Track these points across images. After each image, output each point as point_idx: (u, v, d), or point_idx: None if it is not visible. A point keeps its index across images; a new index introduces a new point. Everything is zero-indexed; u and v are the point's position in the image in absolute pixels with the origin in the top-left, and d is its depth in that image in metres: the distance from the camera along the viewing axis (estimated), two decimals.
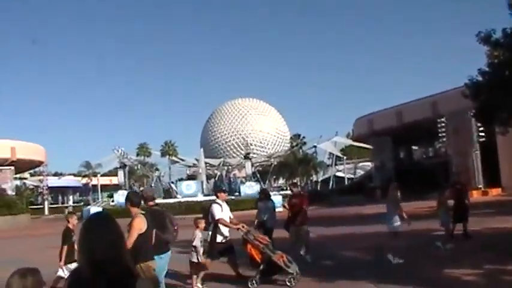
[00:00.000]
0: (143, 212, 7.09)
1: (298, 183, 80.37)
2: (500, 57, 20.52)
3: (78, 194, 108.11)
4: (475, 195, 36.85)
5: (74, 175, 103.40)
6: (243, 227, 10.17)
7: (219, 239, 10.16)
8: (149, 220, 6.87)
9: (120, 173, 60.16)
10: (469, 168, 42.86)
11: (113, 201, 59.85)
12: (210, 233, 10.21)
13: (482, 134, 42.60)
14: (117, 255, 2.55)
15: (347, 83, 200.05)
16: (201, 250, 10.10)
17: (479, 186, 43.57)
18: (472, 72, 22.65)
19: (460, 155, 45.31)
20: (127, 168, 62.48)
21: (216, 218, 10.06)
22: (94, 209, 48.46)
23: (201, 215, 10.72)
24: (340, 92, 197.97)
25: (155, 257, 6.99)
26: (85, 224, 2.69)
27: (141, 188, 69.76)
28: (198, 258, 10.06)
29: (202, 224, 10.28)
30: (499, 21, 29.49)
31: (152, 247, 6.91)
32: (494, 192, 40.95)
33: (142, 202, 7.60)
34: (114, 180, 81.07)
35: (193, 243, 10.12)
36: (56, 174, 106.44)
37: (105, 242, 2.54)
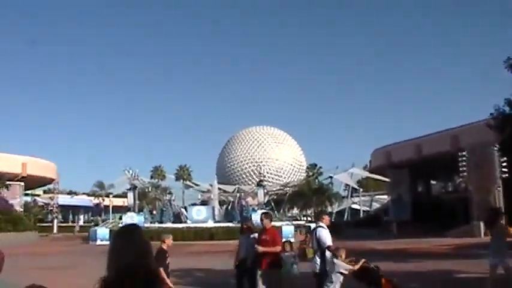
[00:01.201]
0: None
1: (311, 213, 79.23)
2: None
3: (90, 213, 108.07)
4: None
5: (88, 194, 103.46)
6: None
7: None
8: None
9: (130, 194, 59.05)
10: (490, 206, 40.93)
11: (121, 223, 58.96)
12: (318, 263, 9.21)
13: (505, 169, 40.70)
14: (145, 259, 2.67)
15: (366, 114, 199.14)
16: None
17: None
18: (498, 102, 21.46)
19: (481, 191, 43.29)
20: (137, 189, 61.39)
21: (327, 244, 9.12)
22: (101, 230, 47.46)
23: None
24: (359, 122, 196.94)
25: None
26: (117, 231, 2.87)
27: (154, 211, 68.82)
28: None
29: (343, 254, 9.24)
30: None
31: None
32: None
33: None
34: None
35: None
36: (70, 193, 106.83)
37: (135, 246, 2.67)
